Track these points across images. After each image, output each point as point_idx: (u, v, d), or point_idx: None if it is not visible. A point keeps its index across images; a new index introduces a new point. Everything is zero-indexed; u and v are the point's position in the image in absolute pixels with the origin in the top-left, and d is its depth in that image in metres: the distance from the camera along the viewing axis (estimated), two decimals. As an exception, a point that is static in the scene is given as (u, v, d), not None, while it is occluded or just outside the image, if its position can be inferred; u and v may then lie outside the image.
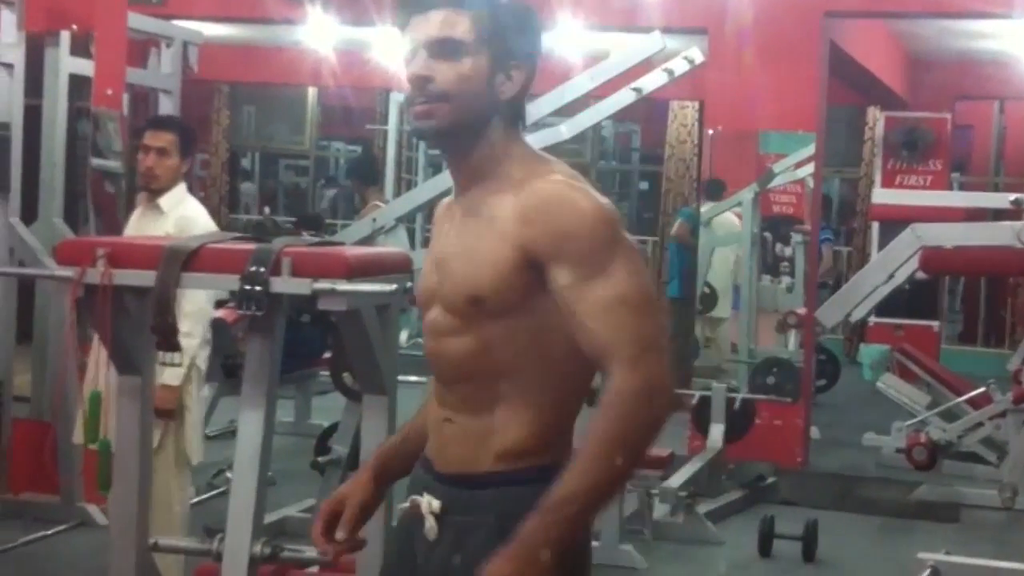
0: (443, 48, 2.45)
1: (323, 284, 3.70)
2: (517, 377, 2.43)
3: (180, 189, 5.62)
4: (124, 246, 4.05)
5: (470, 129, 2.47)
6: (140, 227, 5.60)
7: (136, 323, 3.98)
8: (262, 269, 3.73)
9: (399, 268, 4.01)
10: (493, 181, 2.46)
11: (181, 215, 5.51)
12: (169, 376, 5.26)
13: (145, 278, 3.83)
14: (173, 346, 3.87)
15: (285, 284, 3.73)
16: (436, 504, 2.48)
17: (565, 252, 2.34)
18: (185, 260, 3.83)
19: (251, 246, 3.89)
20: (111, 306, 3.87)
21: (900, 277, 8.16)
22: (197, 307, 5.37)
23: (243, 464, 3.98)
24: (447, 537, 2.48)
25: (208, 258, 3.87)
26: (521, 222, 2.37)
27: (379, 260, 4.06)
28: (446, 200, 2.70)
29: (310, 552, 4.04)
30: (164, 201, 5.55)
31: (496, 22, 2.47)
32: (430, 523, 2.49)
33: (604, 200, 2.40)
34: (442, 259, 2.52)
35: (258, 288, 3.72)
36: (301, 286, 3.72)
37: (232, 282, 3.78)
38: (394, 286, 3.78)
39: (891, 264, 7.96)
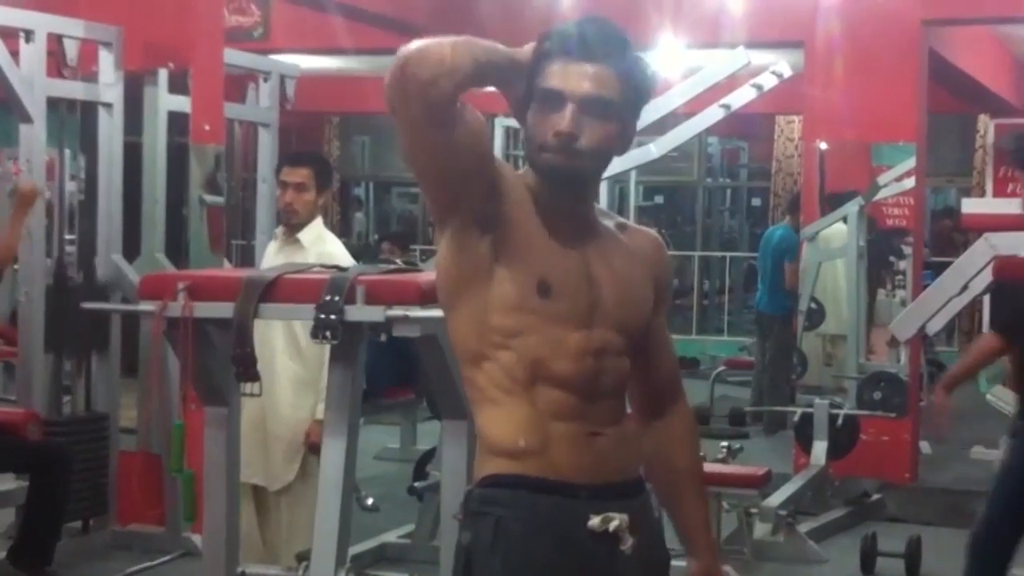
0: (594, 107, 2.48)
1: (396, 311, 3.76)
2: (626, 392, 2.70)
3: (318, 223, 5.61)
4: (204, 279, 4.14)
5: (593, 181, 2.61)
6: (280, 261, 5.43)
7: (220, 354, 4.06)
8: (337, 298, 3.80)
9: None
10: (596, 217, 2.64)
11: (322, 251, 5.45)
12: (321, 411, 5.27)
13: (224, 310, 3.91)
14: (252, 376, 3.94)
15: (359, 312, 3.79)
16: (625, 519, 2.52)
17: (667, 294, 2.77)
18: (263, 291, 3.91)
19: (326, 275, 3.96)
20: (193, 338, 3.96)
21: (976, 288, 7.94)
22: None
23: (326, 492, 4.04)
24: (638, 542, 2.55)
25: (285, 288, 3.95)
26: (653, 264, 2.69)
27: (454, 286, 4.09)
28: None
29: (394, 578, 4.10)
30: (304, 236, 5.54)
31: (637, 89, 2.53)
32: (631, 540, 2.53)
33: None
34: (609, 280, 2.57)
35: (333, 317, 3.79)
36: (375, 313, 3.78)
37: (308, 312, 3.84)
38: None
39: (965, 275, 7.73)
